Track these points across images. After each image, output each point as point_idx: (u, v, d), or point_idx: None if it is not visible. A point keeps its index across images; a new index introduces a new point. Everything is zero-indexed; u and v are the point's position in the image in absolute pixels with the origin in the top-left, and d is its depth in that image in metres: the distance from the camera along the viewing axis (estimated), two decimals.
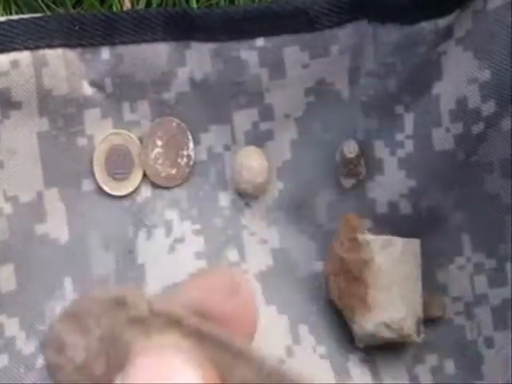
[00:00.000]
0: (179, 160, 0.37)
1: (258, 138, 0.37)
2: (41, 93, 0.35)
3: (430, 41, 0.33)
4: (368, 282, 0.34)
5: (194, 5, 0.40)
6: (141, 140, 0.37)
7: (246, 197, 0.37)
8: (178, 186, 0.37)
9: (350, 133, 0.36)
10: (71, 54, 0.35)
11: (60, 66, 0.34)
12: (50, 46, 0.34)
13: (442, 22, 0.33)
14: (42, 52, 0.34)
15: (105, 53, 0.35)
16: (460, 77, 0.34)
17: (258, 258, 0.37)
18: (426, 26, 0.33)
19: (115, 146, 0.37)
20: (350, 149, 0.36)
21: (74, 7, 0.40)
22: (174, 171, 0.37)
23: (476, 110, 0.33)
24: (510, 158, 0.34)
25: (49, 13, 0.38)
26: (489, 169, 0.34)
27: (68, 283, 0.36)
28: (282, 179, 0.37)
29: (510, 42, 0.32)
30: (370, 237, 0.35)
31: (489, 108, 0.33)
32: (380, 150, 0.36)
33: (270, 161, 0.37)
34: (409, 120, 0.35)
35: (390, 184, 0.36)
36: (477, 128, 0.34)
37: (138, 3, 0.40)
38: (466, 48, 0.33)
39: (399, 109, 0.35)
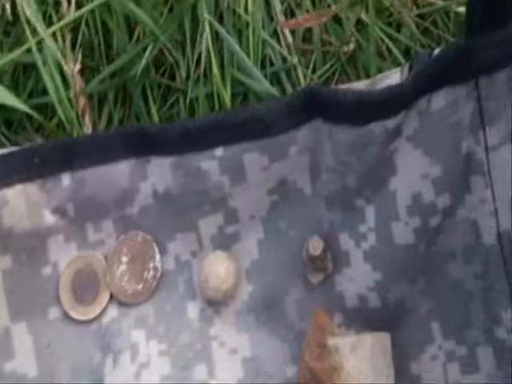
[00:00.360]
0: (145, 274, 0.38)
1: (225, 242, 0.38)
2: (1, 232, 0.36)
3: (381, 141, 0.35)
4: None
5: (155, 116, 0.42)
6: (106, 259, 0.37)
7: (214, 304, 0.38)
8: (144, 301, 0.38)
9: (316, 227, 0.37)
10: (31, 187, 0.36)
11: (20, 201, 0.36)
12: (8, 185, 0.35)
13: (391, 123, 0.34)
14: (0, 194, 0.35)
15: (65, 179, 0.36)
16: (413, 173, 0.35)
17: (228, 372, 0.37)
18: (376, 127, 0.34)
19: (80, 269, 0.37)
20: (315, 245, 0.37)
21: (36, 131, 0.42)
22: (140, 286, 0.38)
23: (431, 203, 0.35)
24: (471, 244, 0.35)
25: (9, 145, 0.40)
26: (451, 257, 0.35)
27: None
28: (250, 281, 0.38)
29: (454, 140, 0.34)
30: (338, 340, 0.35)
31: (443, 201, 0.35)
32: (345, 242, 0.37)
33: (238, 263, 0.38)
34: (370, 213, 0.36)
35: (358, 277, 0.37)
36: (434, 220, 0.35)
37: (99, 121, 0.42)
38: (416, 145, 0.35)
39: (360, 202, 0.36)
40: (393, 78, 0.36)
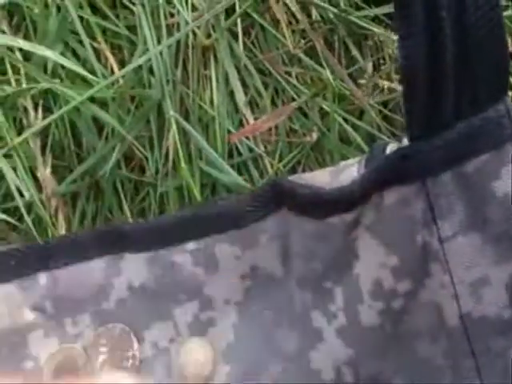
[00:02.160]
0: (125, 363, 0.40)
1: (201, 327, 0.40)
2: None
3: (342, 231, 0.38)
4: None
5: (127, 210, 0.45)
6: (85, 350, 0.40)
7: None
8: None
9: (288, 307, 0.40)
10: (9, 287, 0.38)
11: (0, 301, 0.38)
12: None
13: (348, 216, 0.37)
14: None
15: (42, 278, 0.39)
16: (372, 260, 0.38)
17: None
18: (334, 220, 0.38)
19: (61, 362, 0.39)
20: None
21: (13, 229, 0.44)
22: None
23: (392, 289, 0.37)
24: (436, 324, 0.37)
25: None
26: (418, 337, 0.38)
27: None
28: (228, 362, 0.40)
29: (408, 232, 0.36)
30: None
31: (404, 286, 0.37)
32: (317, 320, 0.39)
33: (214, 345, 0.40)
34: (338, 294, 0.39)
35: (332, 351, 0.39)
36: (397, 303, 0.37)
37: (73, 216, 0.45)
38: (373, 236, 0.38)
39: (328, 284, 0.39)
40: (352, 169, 0.39)
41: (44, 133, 0.46)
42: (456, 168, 0.35)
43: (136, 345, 0.40)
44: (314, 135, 0.47)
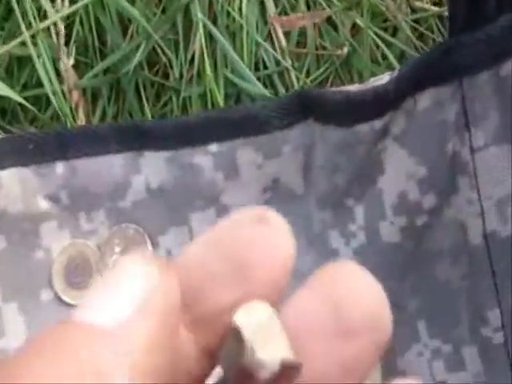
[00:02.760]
0: None
1: None
2: None
3: (369, 140, 0.37)
4: None
5: (148, 113, 0.44)
6: (99, 248, 0.39)
7: None
8: None
9: (306, 225, 0.39)
10: (25, 171, 0.37)
11: (14, 184, 0.37)
12: (2, 168, 0.37)
13: (378, 124, 0.36)
14: None
15: (59, 167, 0.38)
16: (399, 172, 0.37)
17: None
18: (363, 127, 0.37)
19: (73, 256, 0.39)
20: None
21: (30, 123, 0.43)
22: None
23: (417, 203, 0.37)
24: (459, 244, 0.37)
25: (3, 134, 0.42)
26: (438, 257, 0.37)
27: None
28: None
29: (439, 140, 0.36)
30: None
31: (429, 201, 0.37)
32: (335, 240, 0.39)
33: None
34: (359, 212, 0.38)
35: None
36: (420, 220, 0.37)
37: (93, 116, 0.44)
38: (402, 146, 0.37)
39: (350, 201, 0.38)
40: (384, 78, 0.38)
41: (68, 28, 0.45)
42: (494, 68, 0.34)
43: (150, 248, 0.40)
44: (345, 49, 0.46)
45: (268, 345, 0.14)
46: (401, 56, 0.46)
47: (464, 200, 0.36)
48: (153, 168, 0.38)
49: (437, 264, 0.37)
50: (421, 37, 0.46)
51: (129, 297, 0.14)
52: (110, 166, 0.38)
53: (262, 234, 0.16)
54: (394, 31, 0.47)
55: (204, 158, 0.38)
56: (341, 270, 0.16)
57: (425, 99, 0.36)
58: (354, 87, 0.40)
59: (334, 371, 0.15)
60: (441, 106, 0.36)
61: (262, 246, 0.16)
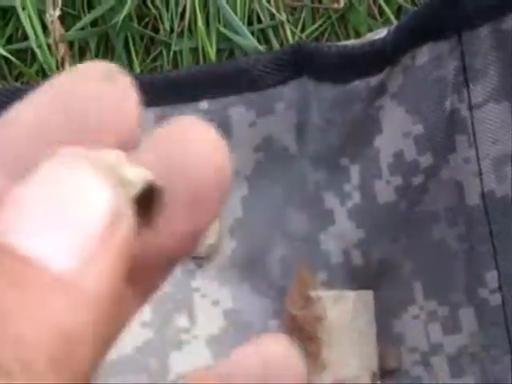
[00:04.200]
0: None
1: None
2: None
3: (365, 98, 0.36)
4: (321, 340, 0.36)
5: (137, 68, 0.43)
6: None
7: (198, 259, 0.39)
8: None
9: (300, 186, 0.38)
10: None
11: None
12: None
13: (374, 80, 0.35)
14: None
15: None
16: (396, 131, 0.36)
17: (210, 321, 0.38)
18: (359, 84, 0.35)
19: None
20: None
21: (16, 79, 0.42)
22: None
23: (414, 162, 0.36)
24: (455, 205, 0.36)
25: None
26: (434, 218, 0.37)
27: None
28: (234, 238, 0.39)
29: (437, 97, 0.35)
30: (321, 293, 0.36)
31: (426, 160, 0.36)
32: (330, 201, 0.38)
33: (221, 220, 0.39)
34: (354, 172, 0.37)
35: (342, 234, 0.38)
36: (417, 180, 0.36)
37: None
38: (400, 103, 0.36)
39: (345, 161, 0.38)
40: (382, 32, 0.36)
41: None
42: (495, 22, 0.33)
43: None
44: (342, 3, 0.44)
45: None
46: (398, 11, 0.44)
47: (461, 159, 0.35)
48: (143, 125, 0.37)
49: (433, 225, 0.37)
50: None
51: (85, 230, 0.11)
52: None
53: (109, 93, 0.14)
54: None
55: (195, 115, 0.37)
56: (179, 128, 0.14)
57: (423, 54, 0.34)
58: (350, 43, 0.39)
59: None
60: (439, 61, 0.34)
61: (109, 105, 0.14)
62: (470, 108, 0.34)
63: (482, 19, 0.33)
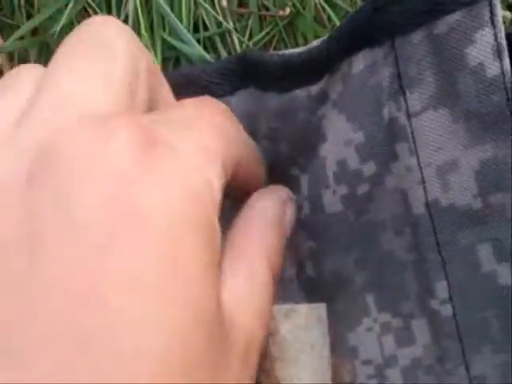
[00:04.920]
0: None
1: None
2: None
3: (307, 106, 0.35)
4: (274, 355, 0.35)
5: None
6: None
7: None
8: None
9: None
10: None
11: None
12: None
13: (315, 89, 0.34)
14: None
15: None
16: (338, 139, 0.35)
17: None
18: (300, 92, 0.35)
19: None
20: None
21: None
22: None
23: (357, 171, 0.35)
24: (401, 214, 0.35)
25: None
26: (381, 228, 0.35)
27: None
28: None
29: (375, 105, 0.34)
30: (273, 307, 0.35)
31: (369, 169, 0.34)
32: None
33: None
34: (304, 182, 0.37)
35: (294, 245, 0.37)
36: (361, 188, 0.35)
37: None
38: (340, 111, 0.35)
39: (295, 170, 0.37)
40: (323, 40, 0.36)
41: None
42: (428, 26, 0.32)
43: None
44: (288, 10, 0.43)
45: None
46: (345, 17, 0.44)
47: (404, 167, 0.34)
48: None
49: (380, 235, 0.35)
50: None
51: None
52: None
53: None
54: None
55: None
56: None
57: (359, 61, 0.33)
58: (292, 51, 0.38)
59: None
60: (374, 67, 0.33)
61: None
62: (408, 116, 0.33)
63: (413, 24, 0.32)
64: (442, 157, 0.33)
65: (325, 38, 0.35)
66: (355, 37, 0.33)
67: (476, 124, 0.32)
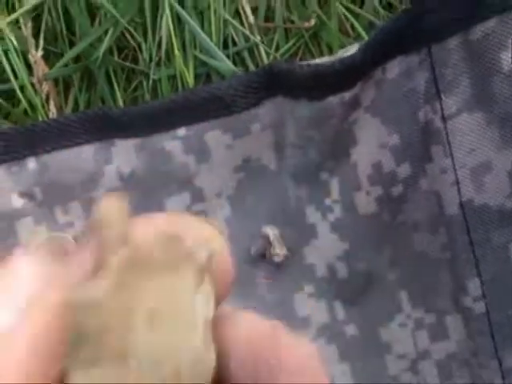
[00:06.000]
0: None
1: None
2: None
3: (340, 113, 0.36)
4: None
5: (119, 99, 0.44)
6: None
7: None
8: None
9: (282, 203, 0.38)
10: None
11: None
12: None
13: (348, 95, 0.35)
14: None
15: (31, 163, 0.37)
16: (372, 142, 0.36)
17: None
18: (333, 100, 0.36)
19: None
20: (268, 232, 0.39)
21: (5, 118, 0.44)
22: None
23: (392, 173, 0.36)
24: (435, 214, 0.36)
25: None
26: (415, 228, 0.37)
27: None
28: None
29: (411, 109, 0.35)
30: None
31: (404, 170, 0.36)
32: (312, 215, 0.38)
33: None
34: (334, 185, 0.38)
35: (326, 247, 0.38)
36: (396, 190, 0.36)
37: (66, 105, 0.44)
38: (374, 115, 0.36)
39: (324, 175, 0.38)
40: (353, 48, 0.37)
41: (37, 18, 0.45)
42: (463, 33, 0.33)
43: None
44: (313, 21, 0.45)
45: None
46: (369, 27, 0.45)
47: (438, 168, 0.35)
48: (124, 156, 0.37)
49: (414, 235, 0.37)
50: (389, 7, 0.46)
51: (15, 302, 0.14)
52: (81, 157, 0.37)
53: None
54: (362, 2, 0.46)
55: (173, 143, 0.37)
56: None
57: (393, 68, 0.34)
58: (323, 60, 0.40)
59: None
60: (410, 74, 0.34)
61: None
62: (444, 119, 0.34)
63: (450, 31, 0.33)
64: (476, 158, 0.35)
65: (360, 45, 0.36)
66: (390, 44, 0.34)
67: (509, 126, 0.34)
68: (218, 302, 0.16)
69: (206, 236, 0.16)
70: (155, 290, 0.15)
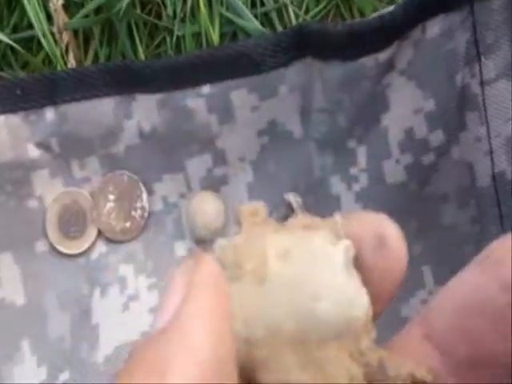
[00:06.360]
0: (133, 213, 0.38)
1: (213, 184, 0.38)
2: None
3: (374, 75, 0.34)
4: None
5: (141, 54, 0.42)
6: (92, 196, 0.37)
7: (203, 243, 0.38)
8: (133, 238, 0.38)
9: (306, 171, 0.37)
10: (14, 119, 0.35)
11: (2, 132, 0.35)
12: None
13: (383, 56, 0.34)
14: None
15: (49, 113, 0.35)
16: (405, 107, 0.35)
17: None
18: (367, 61, 0.34)
19: (67, 205, 0.37)
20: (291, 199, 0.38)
21: (22, 68, 0.42)
22: (128, 224, 0.38)
23: (424, 140, 0.34)
24: (466, 186, 0.35)
25: None
26: (444, 200, 0.35)
27: (26, 346, 0.36)
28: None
29: (448, 71, 0.33)
30: None
31: (437, 138, 0.34)
32: (336, 185, 0.37)
33: (226, 205, 0.38)
34: (361, 153, 0.36)
35: None
36: (427, 158, 0.35)
37: (85, 59, 0.42)
38: (409, 78, 0.34)
39: (352, 143, 0.36)
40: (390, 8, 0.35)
41: None
42: None
43: (145, 196, 0.37)
44: None
45: None
46: None
47: (472, 137, 0.34)
48: (145, 111, 0.36)
49: (443, 207, 0.35)
50: None
51: None
52: (100, 109, 0.36)
53: (380, 261, 0.18)
54: None
55: (197, 101, 0.35)
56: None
57: (434, 27, 0.33)
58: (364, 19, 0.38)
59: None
60: (450, 33, 0.33)
61: (378, 271, 0.17)
62: (482, 84, 0.33)
63: None
64: (511, 128, 0.33)
65: (399, 2, 0.34)
66: (431, 2, 0.33)
67: None
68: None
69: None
70: (289, 239, 0.17)
